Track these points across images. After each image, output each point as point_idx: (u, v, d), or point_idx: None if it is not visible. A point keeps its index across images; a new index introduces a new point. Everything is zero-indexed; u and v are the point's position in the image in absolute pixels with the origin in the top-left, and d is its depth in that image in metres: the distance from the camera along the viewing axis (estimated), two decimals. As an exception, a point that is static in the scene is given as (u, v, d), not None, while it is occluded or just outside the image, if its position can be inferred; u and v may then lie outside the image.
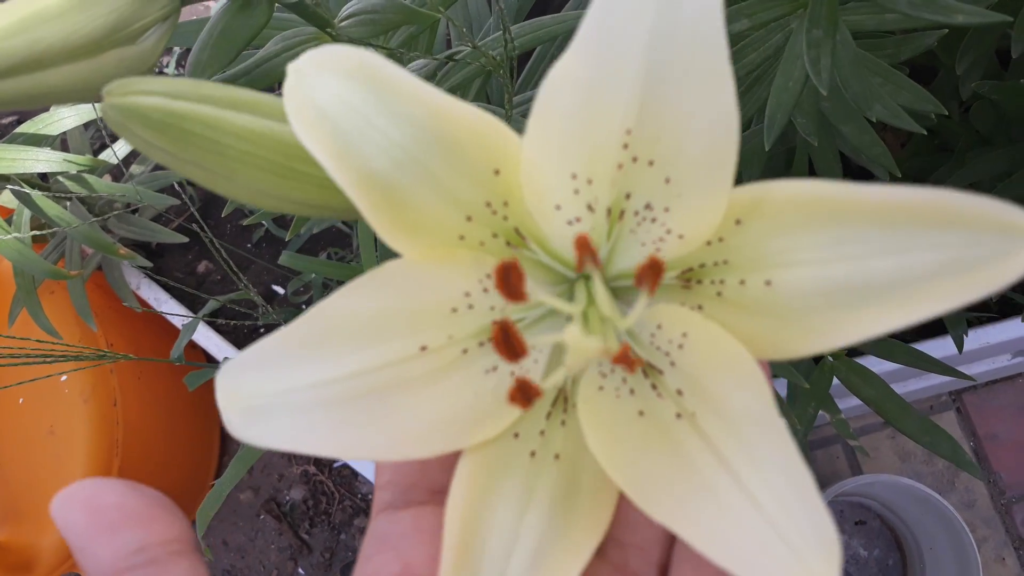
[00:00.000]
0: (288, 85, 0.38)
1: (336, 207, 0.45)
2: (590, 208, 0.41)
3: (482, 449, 0.44)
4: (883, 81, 0.85)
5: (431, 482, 0.49)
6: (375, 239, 0.96)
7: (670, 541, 0.48)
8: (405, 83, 0.38)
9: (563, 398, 0.45)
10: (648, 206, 0.40)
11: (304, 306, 1.43)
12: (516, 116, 0.84)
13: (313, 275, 1.34)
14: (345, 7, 0.77)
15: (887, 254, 0.37)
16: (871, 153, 0.84)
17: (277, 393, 0.39)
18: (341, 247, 1.47)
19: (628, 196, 0.41)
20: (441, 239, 0.41)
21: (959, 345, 1.09)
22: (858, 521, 1.61)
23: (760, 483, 0.38)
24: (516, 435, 0.45)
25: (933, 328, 1.26)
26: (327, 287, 1.30)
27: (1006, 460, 1.62)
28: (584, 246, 0.40)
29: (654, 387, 0.43)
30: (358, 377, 0.40)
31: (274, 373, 0.39)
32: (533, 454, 0.45)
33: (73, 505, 0.38)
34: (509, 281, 0.40)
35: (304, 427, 0.39)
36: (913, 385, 1.52)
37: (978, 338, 1.23)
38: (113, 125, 0.41)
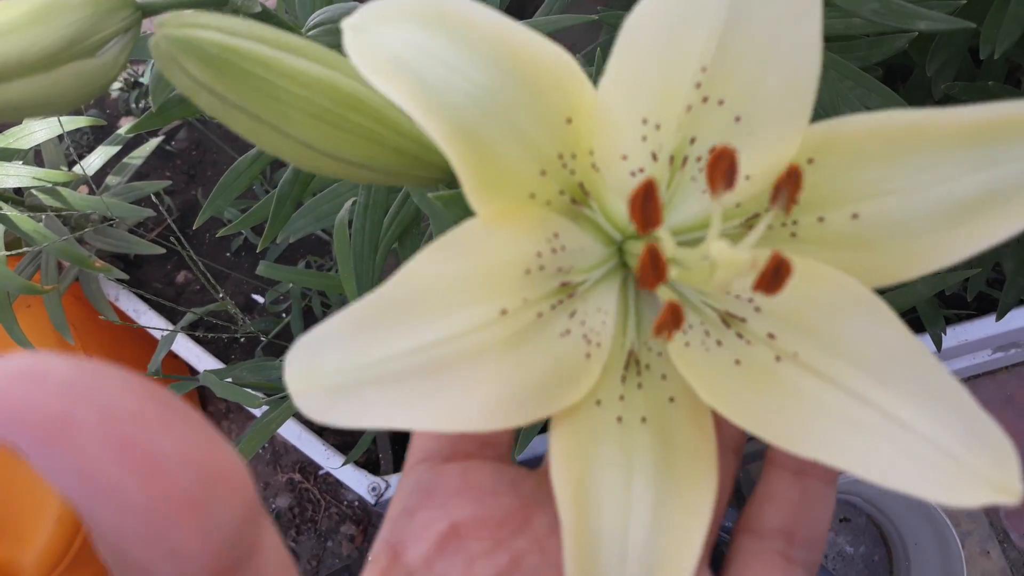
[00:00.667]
0: (348, 40, 0.36)
1: (379, 165, 0.44)
2: (654, 156, 0.40)
3: (569, 420, 0.42)
4: (853, 84, 0.85)
5: (481, 434, 0.47)
6: (351, 249, 0.95)
7: (720, 518, 0.46)
8: (486, 22, 0.36)
9: (634, 361, 0.44)
10: (713, 149, 0.39)
11: (283, 315, 1.42)
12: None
13: (291, 284, 1.33)
14: (313, 16, 0.77)
15: (981, 169, 0.37)
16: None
17: (364, 367, 0.36)
18: (320, 255, 1.47)
19: (692, 141, 0.40)
20: (515, 196, 0.40)
21: (937, 343, 1.10)
22: (843, 518, 1.62)
23: (901, 404, 0.37)
24: (598, 402, 0.43)
25: (911, 327, 1.26)
26: (306, 296, 1.30)
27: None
28: (719, 158, 0.37)
29: (740, 336, 0.42)
30: (446, 344, 0.38)
31: (358, 345, 0.36)
32: (620, 419, 0.43)
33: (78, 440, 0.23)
34: (648, 205, 0.37)
35: (396, 400, 0.36)
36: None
37: (957, 335, 1.24)
38: (163, 60, 0.39)
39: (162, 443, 0.24)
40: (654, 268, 0.38)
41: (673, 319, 0.39)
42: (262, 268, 1.11)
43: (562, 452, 0.42)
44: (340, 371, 0.36)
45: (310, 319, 1.42)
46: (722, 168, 0.37)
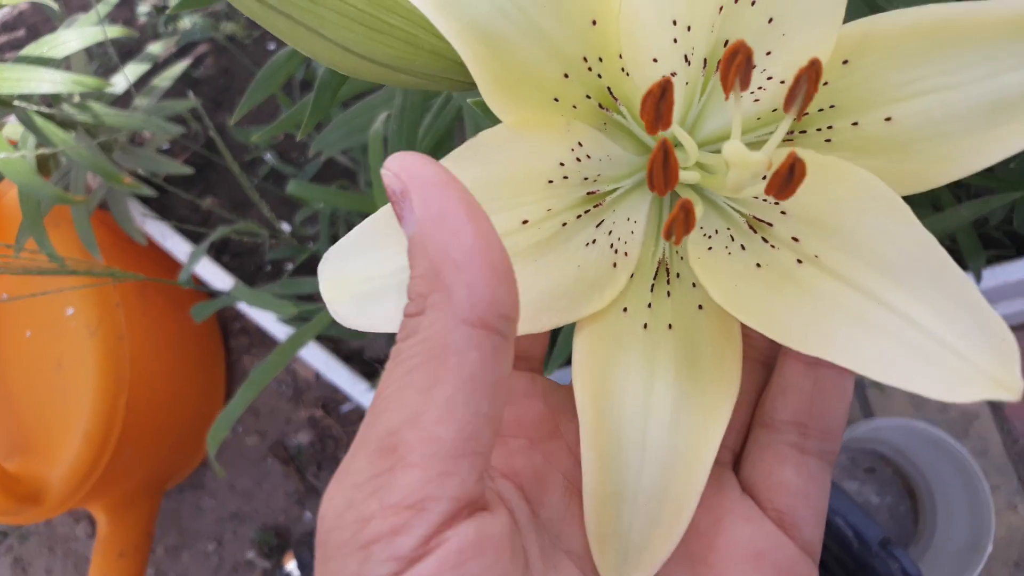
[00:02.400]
0: None
1: (418, 68, 0.44)
2: (686, 60, 0.39)
3: (594, 328, 0.43)
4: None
5: (518, 347, 0.48)
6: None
7: (745, 428, 0.47)
8: None
9: (664, 269, 0.44)
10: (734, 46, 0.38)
11: (311, 242, 1.41)
12: None
13: (321, 207, 1.32)
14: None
15: (1018, 67, 0.35)
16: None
17: (388, 274, 0.38)
18: (349, 180, 1.45)
19: (726, 43, 0.39)
20: (537, 100, 0.39)
21: (978, 276, 1.07)
22: (869, 468, 1.60)
23: (912, 303, 0.37)
24: (625, 310, 0.43)
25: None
26: (334, 221, 1.28)
27: (1020, 408, 1.60)
28: (732, 54, 0.37)
29: (765, 240, 0.42)
30: None
31: (383, 253, 0.38)
32: (646, 326, 0.43)
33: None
34: (660, 106, 0.37)
35: None
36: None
37: (996, 276, 1.21)
38: None
39: (493, 234, 0.34)
40: (665, 167, 0.37)
41: (684, 219, 0.38)
42: (292, 186, 1.10)
43: (584, 356, 0.43)
44: (367, 279, 0.38)
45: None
46: (738, 63, 0.36)
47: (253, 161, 1.52)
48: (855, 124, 0.39)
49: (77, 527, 1.89)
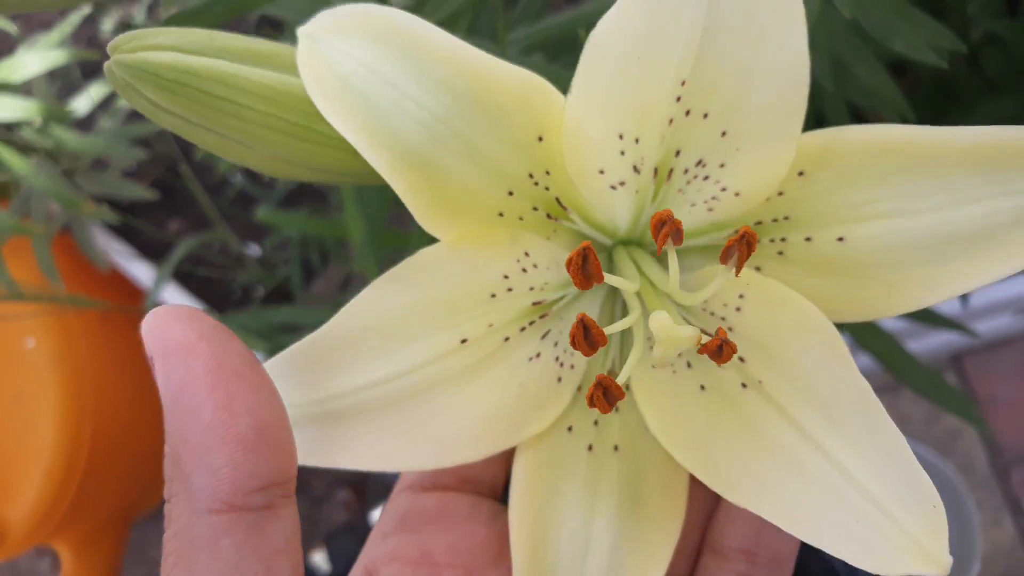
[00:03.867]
0: (301, 53, 0.34)
1: (359, 172, 0.42)
2: (635, 169, 0.38)
3: (536, 448, 0.41)
4: (899, 18, 0.81)
5: (462, 470, 0.47)
6: (359, 197, 0.91)
7: (696, 552, 0.46)
8: (441, 44, 0.34)
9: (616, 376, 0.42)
10: (700, 163, 0.37)
11: (283, 266, 1.38)
12: (512, 53, 0.79)
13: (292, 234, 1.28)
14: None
15: (978, 200, 0.34)
16: (884, 95, 0.80)
17: (308, 404, 0.36)
18: (319, 203, 1.42)
19: (678, 153, 0.37)
20: (480, 218, 0.38)
21: (964, 295, 1.06)
22: (854, 487, 1.59)
23: (848, 451, 0.35)
24: (569, 429, 0.42)
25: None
26: (305, 244, 1.25)
27: (1005, 422, 1.60)
28: (659, 223, 0.36)
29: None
30: (398, 379, 0.37)
31: (305, 381, 0.36)
32: (591, 448, 0.42)
33: (194, 368, 0.31)
34: (586, 268, 0.36)
35: (341, 440, 0.36)
36: (912, 347, 1.49)
37: (984, 294, 1.20)
38: (119, 87, 0.37)
39: (246, 396, 0.31)
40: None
41: (603, 397, 0.37)
42: (262, 212, 1.06)
43: (523, 484, 0.41)
44: (288, 407, 0.36)
45: (307, 274, 1.38)
46: (664, 233, 0.36)
47: (222, 183, 1.48)
48: (808, 239, 0.38)
49: (40, 563, 1.83)
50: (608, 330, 0.37)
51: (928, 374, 0.95)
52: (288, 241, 1.33)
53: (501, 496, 0.49)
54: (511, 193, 0.37)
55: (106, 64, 0.37)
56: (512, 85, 0.35)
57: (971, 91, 1.10)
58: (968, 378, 1.63)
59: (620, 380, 0.37)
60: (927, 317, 1.01)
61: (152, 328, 0.32)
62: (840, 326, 1.03)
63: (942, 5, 1.06)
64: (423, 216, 0.36)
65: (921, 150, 0.35)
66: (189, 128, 0.39)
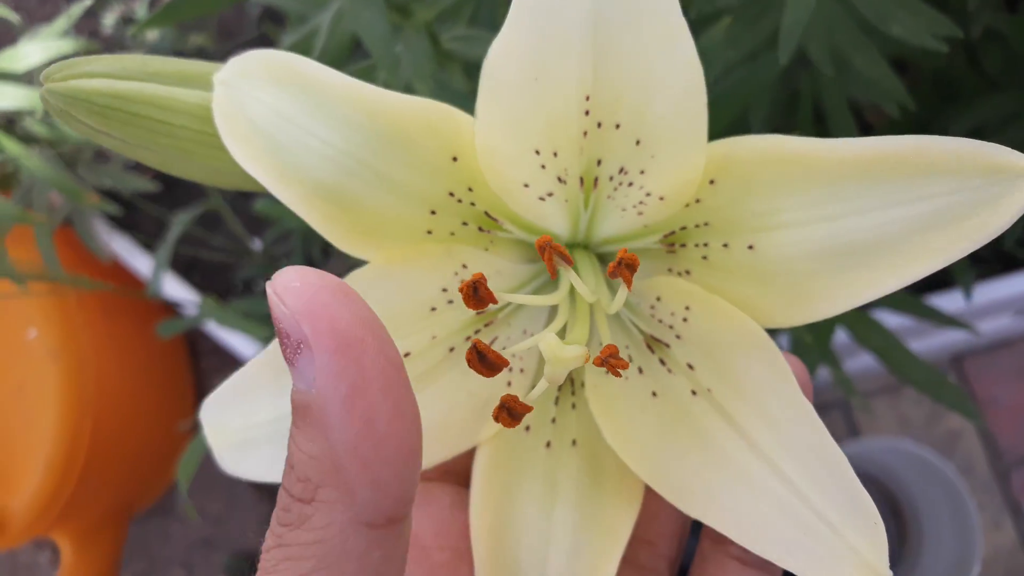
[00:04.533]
0: (217, 98, 0.36)
1: None
2: (561, 180, 0.38)
3: (494, 449, 0.42)
4: (897, 6, 0.81)
5: (443, 463, 0.47)
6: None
7: (680, 536, 0.47)
8: (338, 85, 0.36)
9: (569, 379, 0.43)
10: (622, 170, 0.38)
11: (284, 259, 1.38)
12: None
13: (293, 225, 1.28)
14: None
15: (869, 211, 0.34)
16: (884, 86, 0.80)
17: (266, 423, 0.38)
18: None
19: (599, 162, 0.38)
20: (407, 237, 0.38)
21: (967, 292, 1.06)
22: (854, 487, 1.58)
23: (792, 463, 0.37)
24: (528, 428, 0.42)
25: (938, 283, 1.23)
26: (308, 238, 1.25)
27: (1005, 425, 1.60)
28: (546, 247, 0.37)
29: (663, 362, 0.41)
30: None
31: (259, 403, 0.38)
32: (549, 444, 0.43)
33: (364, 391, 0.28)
34: (478, 295, 0.37)
35: None
36: (912, 347, 1.49)
37: (984, 293, 1.20)
38: (56, 113, 0.38)
39: (409, 400, 0.29)
40: (484, 364, 0.36)
41: (507, 416, 0.37)
42: (261, 205, 1.06)
43: (482, 484, 0.42)
44: (244, 428, 0.39)
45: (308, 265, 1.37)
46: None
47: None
48: (726, 246, 0.38)
49: (40, 555, 1.83)
50: (509, 351, 0.38)
51: (927, 370, 0.95)
52: (289, 235, 1.33)
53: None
54: (434, 212, 0.38)
55: (40, 92, 0.38)
56: (414, 114, 0.36)
57: (971, 88, 1.09)
58: (968, 380, 1.62)
59: (530, 400, 0.38)
60: (927, 313, 1.01)
61: (308, 308, 0.28)
62: (839, 320, 1.03)
63: (943, 0, 1.06)
64: (343, 242, 0.37)
65: (813, 162, 0.35)
66: (128, 148, 0.40)
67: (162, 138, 0.39)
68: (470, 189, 0.38)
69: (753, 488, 0.37)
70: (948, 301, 1.17)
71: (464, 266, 0.40)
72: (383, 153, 0.36)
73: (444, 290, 0.40)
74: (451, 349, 0.41)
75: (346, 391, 0.28)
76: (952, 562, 1.38)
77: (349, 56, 0.70)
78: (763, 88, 0.92)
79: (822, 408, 1.65)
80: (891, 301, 1.04)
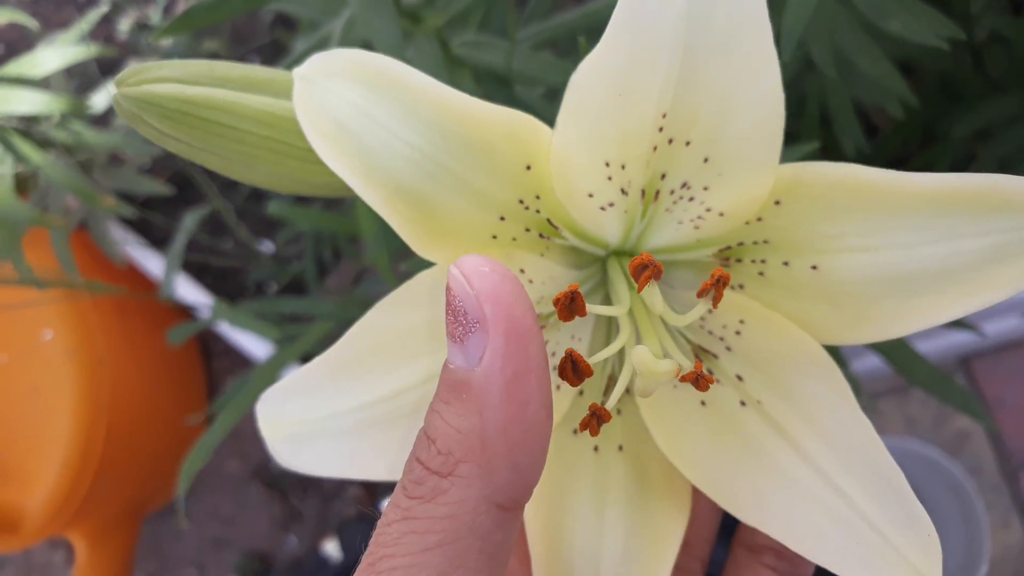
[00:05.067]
0: (298, 93, 0.36)
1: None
2: (623, 192, 0.39)
3: None
4: (897, 7, 0.81)
5: None
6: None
7: (712, 539, 0.48)
8: (428, 89, 0.36)
9: (614, 383, 0.43)
10: (685, 185, 0.39)
11: (295, 261, 1.39)
12: (522, 50, 0.80)
13: (305, 230, 1.29)
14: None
15: (938, 241, 0.36)
16: (888, 85, 0.80)
17: (323, 419, 0.39)
18: (332, 199, 1.43)
19: (663, 176, 0.39)
20: (474, 241, 0.39)
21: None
22: (861, 488, 1.59)
23: (847, 476, 0.37)
24: (575, 432, 0.43)
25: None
26: (319, 240, 1.26)
27: (1014, 426, 1.60)
28: (643, 265, 0.38)
29: (710, 372, 0.42)
30: (402, 395, 0.39)
31: (317, 398, 0.39)
32: (596, 449, 0.43)
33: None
34: (572, 306, 0.38)
35: (353, 451, 0.39)
36: (920, 348, 1.49)
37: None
38: (126, 117, 0.40)
39: (550, 394, 0.31)
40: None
41: (596, 424, 0.39)
42: (273, 207, 1.07)
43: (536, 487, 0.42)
44: (299, 422, 0.40)
45: (320, 270, 1.39)
46: (646, 276, 0.38)
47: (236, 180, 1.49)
48: (786, 264, 0.39)
49: (55, 555, 1.85)
50: (593, 360, 0.39)
51: (933, 371, 0.95)
52: (300, 237, 1.34)
53: None
54: (503, 218, 0.39)
55: (113, 96, 0.39)
56: (498, 122, 0.37)
57: (976, 90, 1.10)
58: (976, 381, 1.62)
59: (609, 406, 0.39)
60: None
61: (494, 293, 0.30)
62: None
63: (947, 3, 1.06)
64: (419, 244, 0.38)
65: (884, 191, 0.36)
66: (194, 152, 0.41)
67: (228, 142, 0.40)
68: (537, 197, 0.39)
69: (805, 497, 0.38)
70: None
71: (522, 271, 0.41)
72: (466, 159, 0.37)
73: None
74: None
75: (511, 374, 0.30)
76: (960, 561, 1.38)
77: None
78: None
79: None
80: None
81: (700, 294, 0.38)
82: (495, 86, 0.76)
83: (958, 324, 1.01)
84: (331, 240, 1.27)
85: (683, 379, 0.38)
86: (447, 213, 0.38)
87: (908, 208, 0.36)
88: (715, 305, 0.38)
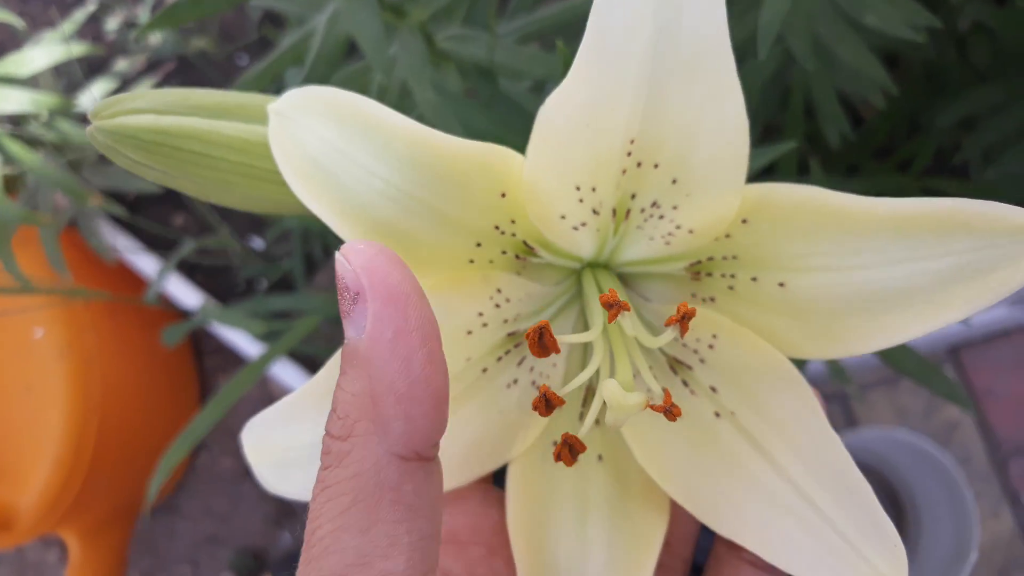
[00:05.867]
0: (273, 129, 0.37)
1: None
2: (595, 212, 0.40)
3: (525, 465, 0.44)
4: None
5: None
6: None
7: (694, 538, 0.49)
8: (401, 125, 0.37)
9: (592, 395, 0.44)
10: (655, 204, 0.40)
11: (285, 259, 1.39)
12: (507, 44, 0.80)
13: (292, 224, 1.30)
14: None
15: (902, 262, 0.37)
16: (869, 73, 0.81)
17: (308, 445, 0.39)
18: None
19: (633, 196, 0.40)
20: (452, 266, 0.40)
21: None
22: (852, 479, 1.59)
23: (816, 487, 0.39)
24: (555, 443, 0.44)
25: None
26: (308, 237, 1.26)
27: (1002, 415, 1.60)
28: (611, 304, 0.39)
29: (685, 383, 0.43)
30: None
31: (303, 425, 0.40)
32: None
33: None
34: (542, 342, 0.39)
35: None
36: (910, 340, 1.49)
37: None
38: (102, 149, 0.40)
39: (441, 354, 0.33)
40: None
41: (569, 453, 0.40)
42: (263, 204, 1.07)
43: (516, 496, 0.44)
44: (289, 448, 0.41)
45: (309, 267, 1.39)
46: (613, 313, 0.39)
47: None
48: (754, 279, 0.40)
49: (48, 553, 1.85)
50: (564, 391, 0.40)
51: (922, 362, 0.96)
52: (290, 234, 1.35)
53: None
54: (479, 244, 0.40)
55: (88, 129, 0.39)
56: (471, 155, 0.38)
57: (960, 80, 1.10)
58: (966, 371, 1.63)
59: (581, 434, 0.40)
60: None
61: (368, 266, 0.32)
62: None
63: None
64: None
65: (848, 214, 0.37)
66: (170, 179, 0.41)
67: (203, 170, 0.41)
68: (513, 221, 0.40)
69: (778, 509, 0.39)
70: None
71: (499, 291, 0.42)
72: (441, 192, 0.37)
73: (480, 314, 0.42)
74: (484, 370, 0.43)
75: (391, 334, 0.32)
76: (949, 550, 1.39)
77: (344, 58, 0.72)
78: (754, 83, 0.94)
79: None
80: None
81: (668, 323, 0.39)
82: (480, 80, 0.76)
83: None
84: (320, 236, 1.28)
85: (654, 409, 0.39)
86: (424, 243, 0.38)
87: (872, 230, 0.37)
88: (682, 335, 0.39)
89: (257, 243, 1.45)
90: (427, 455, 0.33)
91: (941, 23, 0.79)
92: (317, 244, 1.29)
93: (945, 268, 0.36)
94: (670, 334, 0.39)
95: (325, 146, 0.36)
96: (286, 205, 0.44)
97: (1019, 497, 1.57)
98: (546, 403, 0.39)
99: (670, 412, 0.39)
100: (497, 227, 0.40)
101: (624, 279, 0.45)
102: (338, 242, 1.15)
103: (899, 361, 0.99)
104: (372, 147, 0.36)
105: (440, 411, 0.33)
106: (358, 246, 0.33)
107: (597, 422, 0.44)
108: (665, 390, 0.39)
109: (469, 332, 0.42)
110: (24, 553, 1.86)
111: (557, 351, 0.39)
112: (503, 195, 0.39)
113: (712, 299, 0.42)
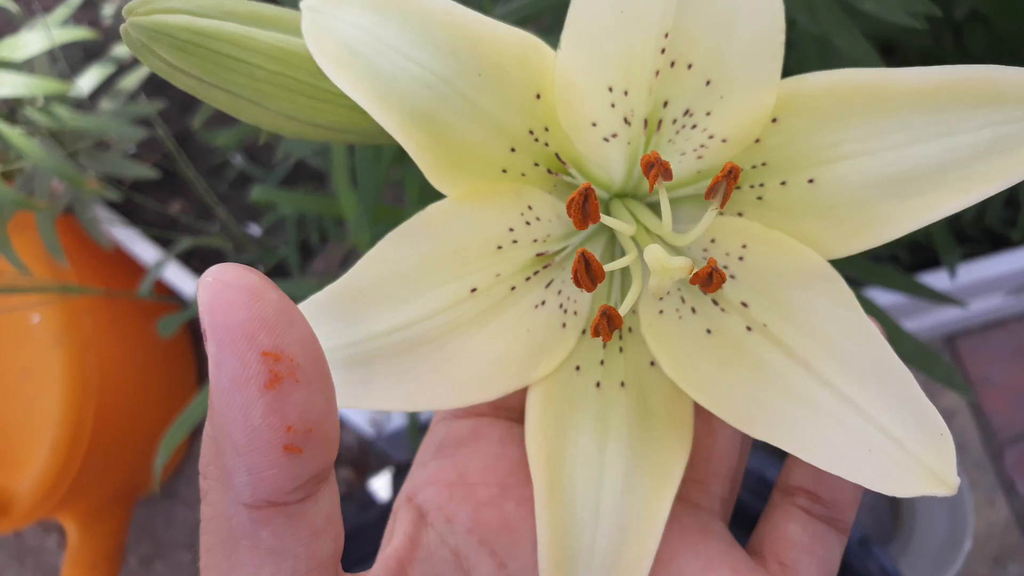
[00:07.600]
0: (306, 24, 0.36)
1: (365, 130, 0.44)
2: (626, 121, 0.40)
3: (546, 387, 0.43)
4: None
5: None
6: (351, 174, 0.92)
7: (734, 478, 0.48)
8: (439, 9, 0.36)
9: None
10: (688, 112, 0.39)
11: (281, 246, 1.39)
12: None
13: (288, 211, 1.30)
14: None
15: (933, 138, 0.36)
16: (866, 63, 0.81)
17: (333, 350, 0.38)
18: (318, 184, 1.43)
19: (666, 104, 0.39)
20: (484, 174, 0.40)
21: (952, 271, 1.07)
22: (848, 466, 1.60)
23: (855, 386, 0.38)
24: (577, 368, 0.44)
25: (928, 263, 1.24)
26: (303, 225, 1.26)
27: (998, 404, 1.61)
28: (650, 164, 0.38)
29: (715, 302, 0.42)
30: (413, 326, 0.39)
31: (327, 329, 0.38)
32: (598, 385, 0.44)
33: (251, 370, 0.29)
34: (586, 207, 0.38)
35: (364, 382, 0.38)
36: (906, 327, 1.49)
37: (970, 272, 1.21)
38: (134, 48, 0.39)
39: (298, 395, 0.29)
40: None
41: (608, 324, 0.39)
42: (257, 191, 1.07)
43: (537, 417, 0.43)
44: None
45: (306, 253, 1.39)
46: (654, 173, 0.38)
47: (223, 164, 1.49)
48: (783, 183, 0.40)
49: (47, 538, 1.85)
50: (608, 267, 0.40)
51: (917, 345, 0.96)
52: (285, 221, 1.35)
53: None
54: (513, 150, 0.39)
55: (122, 26, 0.38)
56: (510, 45, 0.37)
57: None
58: (962, 359, 1.64)
59: (622, 311, 0.40)
60: (918, 290, 1.02)
61: (211, 303, 0.29)
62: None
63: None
64: (432, 173, 0.38)
65: (877, 92, 0.36)
66: (203, 88, 0.40)
67: (238, 76, 0.40)
68: (546, 129, 0.40)
69: (816, 411, 0.38)
70: (938, 280, 1.18)
71: (530, 207, 0.41)
72: (478, 83, 0.37)
73: (511, 229, 0.41)
74: (512, 288, 0.42)
75: (226, 382, 0.29)
76: (944, 538, 1.39)
77: None
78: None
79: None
80: (883, 278, 1.05)
81: (709, 194, 0.38)
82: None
83: (943, 299, 1.02)
84: (318, 223, 1.28)
85: (695, 279, 0.38)
86: (460, 140, 0.38)
87: (902, 106, 0.36)
88: (723, 205, 0.38)
89: (253, 230, 1.45)
90: (287, 501, 0.31)
91: (938, 9, 0.78)
92: (315, 230, 1.29)
93: (979, 141, 0.35)
94: (710, 216, 0.39)
95: (361, 33, 0.36)
96: (319, 125, 0.43)
97: (1014, 486, 1.57)
98: (587, 267, 0.38)
99: (716, 273, 0.38)
100: (531, 132, 0.39)
101: (652, 208, 0.44)
102: (334, 229, 1.15)
103: (896, 345, 0.99)
104: (409, 32, 0.36)
105: (298, 458, 0.30)
106: (207, 278, 0.29)
107: (621, 350, 0.44)
108: (711, 259, 0.39)
109: (499, 247, 0.41)
110: (23, 538, 1.87)
111: (603, 278, 0.38)
112: (538, 96, 0.39)
113: (740, 214, 0.42)
